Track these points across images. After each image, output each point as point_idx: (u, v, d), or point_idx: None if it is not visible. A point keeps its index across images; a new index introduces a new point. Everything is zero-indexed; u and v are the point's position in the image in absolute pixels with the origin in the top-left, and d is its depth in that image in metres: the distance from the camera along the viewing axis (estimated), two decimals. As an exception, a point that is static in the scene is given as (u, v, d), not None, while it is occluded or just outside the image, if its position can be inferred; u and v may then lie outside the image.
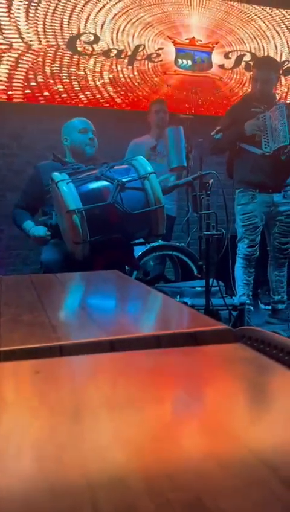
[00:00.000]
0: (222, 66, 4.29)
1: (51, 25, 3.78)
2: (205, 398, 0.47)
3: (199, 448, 0.35)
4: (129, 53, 4.00)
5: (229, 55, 4.31)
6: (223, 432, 0.38)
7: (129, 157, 2.26)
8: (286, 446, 0.36)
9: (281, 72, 2.96)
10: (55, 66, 3.80)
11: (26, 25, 3.69)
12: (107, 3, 3.91)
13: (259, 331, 0.60)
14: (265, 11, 4.39)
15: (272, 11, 4.41)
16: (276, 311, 3.04)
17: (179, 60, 4.19)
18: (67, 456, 0.34)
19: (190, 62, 4.21)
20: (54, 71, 3.80)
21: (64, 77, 3.84)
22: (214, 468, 0.31)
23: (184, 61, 4.20)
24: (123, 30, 3.97)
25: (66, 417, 0.44)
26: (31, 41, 3.71)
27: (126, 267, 2.32)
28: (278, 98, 3.13)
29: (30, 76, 3.71)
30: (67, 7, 3.82)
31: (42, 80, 3.75)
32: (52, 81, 3.79)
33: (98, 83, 3.93)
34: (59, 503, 0.28)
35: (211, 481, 0.29)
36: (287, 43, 4.47)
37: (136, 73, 4.04)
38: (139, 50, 4.03)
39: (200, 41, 4.21)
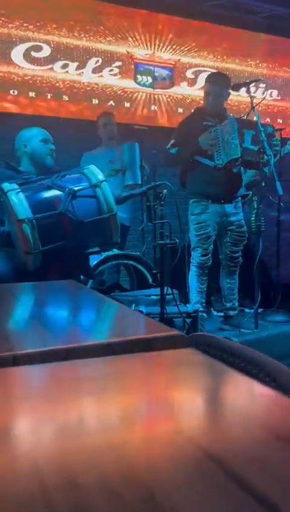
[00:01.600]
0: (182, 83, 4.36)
1: (2, 33, 3.73)
2: (158, 401, 0.48)
3: (152, 448, 0.36)
4: (86, 65, 4.01)
5: (191, 73, 4.40)
6: (176, 432, 0.40)
7: (80, 167, 2.26)
8: (235, 443, 0.38)
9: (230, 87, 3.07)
10: (3, 73, 3.75)
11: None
12: (64, 14, 3.91)
13: (210, 336, 0.62)
14: (225, 30, 4.51)
15: (232, 31, 4.54)
16: (228, 317, 3.12)
17: (139, 76, 4.22)
18: (20, 462, 0.35)
19: (149, 79, 4.25)
20: (5, 79, 3.75)
21: (17, 86, 3.79)
22: (166, 466, 0.33)
23: (144, 77, 4.24)
24: (80, 42, 3.98)
25: (17, 424, 0.44)
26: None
27: (81, 276, 2.30)
28: (228, 112, 3.25)
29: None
30: (23, 15, 3.78)
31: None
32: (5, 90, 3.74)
33: (50, 94, 3.91)
34: (15, 509, 0.28)
35: (164, 478, 0.30)
36: (245, 62, 4.64)
37: (91, 84, 4.05)
38: (96, 62, 4.05)
39: (161, 57, 4.27)
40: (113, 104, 4.14)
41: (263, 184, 2.87)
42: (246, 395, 0.52)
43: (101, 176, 1.87)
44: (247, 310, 3.27)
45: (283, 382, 0.68)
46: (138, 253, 3.14)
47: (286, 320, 3.15)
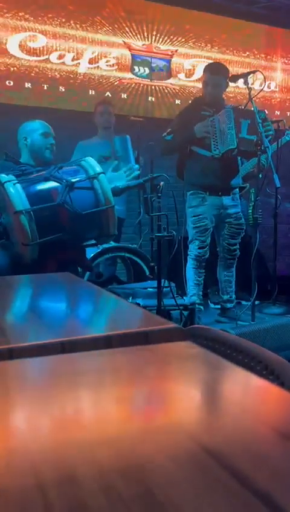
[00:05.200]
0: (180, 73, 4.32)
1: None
2: (154, 395, 0.48)
3: (150, 443, 0.35)
4: (82, 55, 3.97)
5: (189, 64, 4.36)
6: (174, 426, 0.39)
7: (78, 158, 2.25)
8: (232, 437, 0.37)
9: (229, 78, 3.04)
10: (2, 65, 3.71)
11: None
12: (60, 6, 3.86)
13: (207, 329, 0.62)
14: (224, 19, 4.46)
15: (230, 21, 4.48)
16: (225, 310, 3.13)
17: (136, 67, 4.18)
18: (16, 457, 0.34)
19: (147, 70, 4.21)
20: (1, 69, 3.71)
21: (13, 76, 3.75)
22: (164, 461, 0.32)
23: (141, 68, 4.19)
24: (77, 32, 3.94)
25: (14, 417, 0.44)
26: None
27: (79, 268, 2.30)
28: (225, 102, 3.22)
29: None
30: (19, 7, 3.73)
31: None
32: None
33: (46, 85, 3.87)
34: (10, 505, 0.28)
35: (162, 473, 0.30)
36: (242, 52, 4.60)
37: (88, 75, 4.02)
38: (92, 53, 4.01)
39: (158, 48, 4.22)
40: (110, 95, 4.11)
41: (260, 176, 2.86)
42: (243, 388, 0.51)
43: (98, 168, 1.86)
44: (244, 303, 3.27)
45: (280, 374, 0.68)
46: (135, 245, 3.13)
47: (283, 312, 3.16)
